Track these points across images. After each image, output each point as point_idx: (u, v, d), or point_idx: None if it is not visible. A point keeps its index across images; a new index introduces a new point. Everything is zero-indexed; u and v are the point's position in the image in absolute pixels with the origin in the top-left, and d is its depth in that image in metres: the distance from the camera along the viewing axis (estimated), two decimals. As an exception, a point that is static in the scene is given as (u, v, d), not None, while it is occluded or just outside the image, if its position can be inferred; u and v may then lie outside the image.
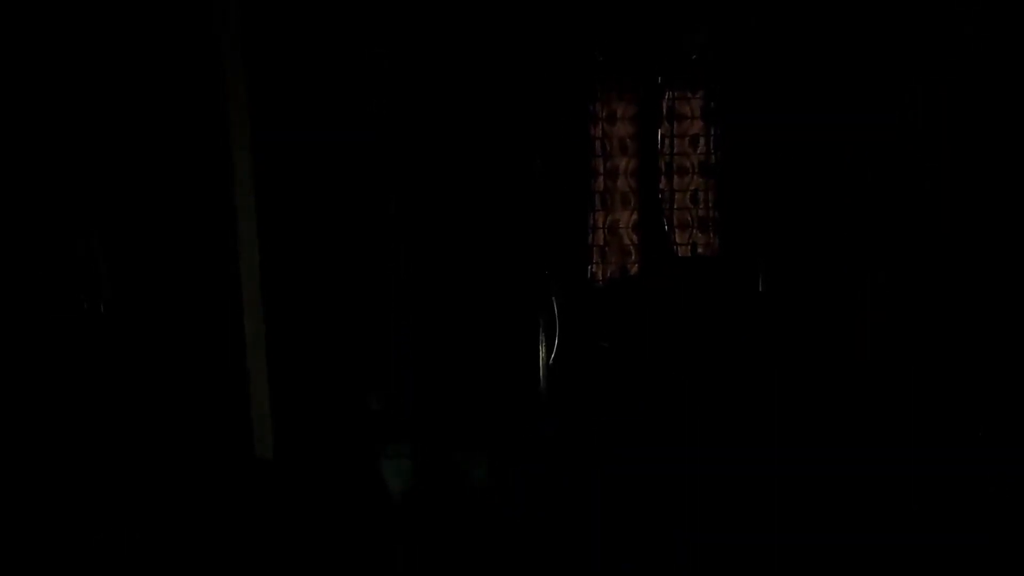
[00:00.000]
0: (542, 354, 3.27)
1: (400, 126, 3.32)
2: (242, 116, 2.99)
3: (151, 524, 2.65)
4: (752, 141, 3.33)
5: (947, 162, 2.77)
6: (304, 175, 3.17)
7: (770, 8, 3.20)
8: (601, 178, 3.69)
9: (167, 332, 3.03)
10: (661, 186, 3.64)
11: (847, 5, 2.99)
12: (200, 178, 3.03)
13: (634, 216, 3.68)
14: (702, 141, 3.58)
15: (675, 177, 3.64)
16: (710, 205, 3.59)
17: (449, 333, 3.36)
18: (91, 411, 2.88)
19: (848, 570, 2.17)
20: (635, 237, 3.69)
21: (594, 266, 3.71)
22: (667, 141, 3.62)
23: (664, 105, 3.60)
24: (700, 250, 3.64)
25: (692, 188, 3.62)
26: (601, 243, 3.71)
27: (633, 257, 3.71)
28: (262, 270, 3.05)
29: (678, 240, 3.67)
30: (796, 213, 3.26)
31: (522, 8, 3.39)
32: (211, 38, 2.93)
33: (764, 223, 3.36)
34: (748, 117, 3.31)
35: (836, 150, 3.08)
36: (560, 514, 2.52)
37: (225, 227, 3.06)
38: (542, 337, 3.28)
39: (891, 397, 2.90)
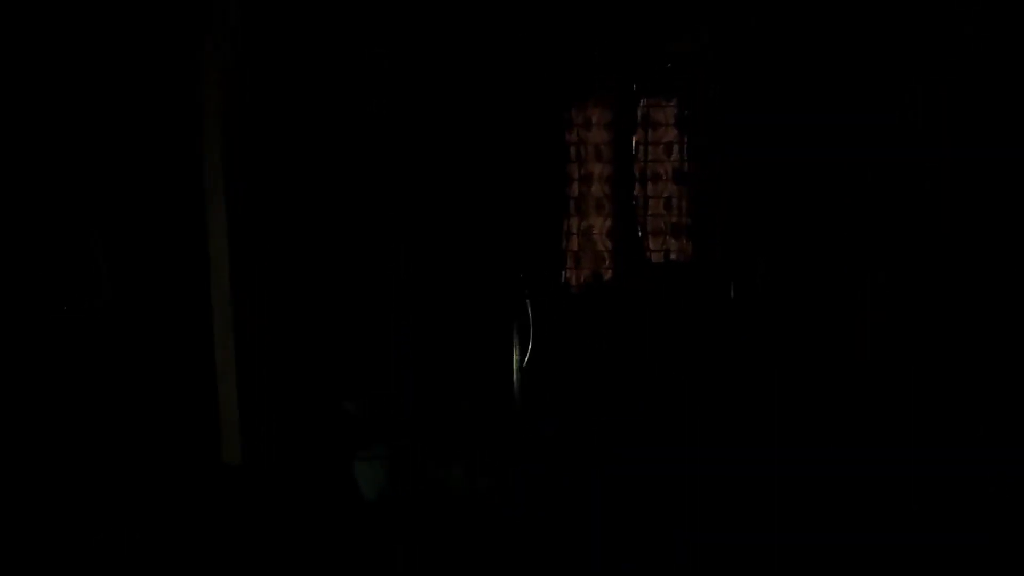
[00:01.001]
0: (515, 357, 3.24)
1: (386, 131, 3.30)
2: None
3: (108, 533, 2.49)
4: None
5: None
6: (278, 175, 3.09)
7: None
8: (576, 184, 3.71)
9: (131, 336, 2.90)
10: (635, 192, 3.68)
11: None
12: (171, 173, 2.92)
13: (608, 222, 3.71)
14: (676, 148, 3.64)
15: (649, 184, 3.68)
16: (683, 211, 3.64)
17: (436, 336, 3.32)
18: (45, 416, 2.72)
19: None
20: (609, 243, 3.71)
21: (568, 271, 3.71)
22: (641, 148, 3.67)
23: (639, 112, 3.65)
24: (673, 256, 3.67)
25: (666, 195, 3.66)
26: (575, 248, 3.71)
27: (607, 262, 3.72)
28: (232, 273, 2.95)
29: (651, 246, 3.70)
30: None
31: (498, 19, 3.41)
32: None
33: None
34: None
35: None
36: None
37: (194, 230, 2.95)
38: (516, 340, 3.25)
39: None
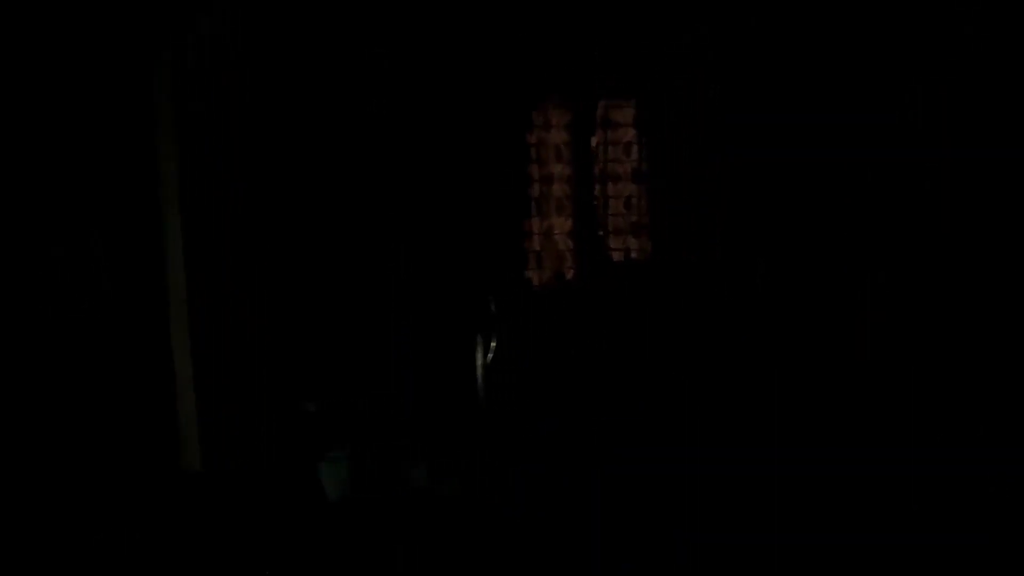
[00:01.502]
0: (479, 358, 3.27)
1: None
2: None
3: (61, 542, 2.48)
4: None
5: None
6: (238, 182, 3.08)
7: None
8: (537, 184, 3.73)
9: (83, 339, 2.87)
10: (596, 192, 3.71)
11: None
12: (124, 173, 2.90)
13: (569, 222, 3.74)
14: (635, 148, 3.67)
15: (609, 184, 3.71)
16: (643, 211, 3.67)
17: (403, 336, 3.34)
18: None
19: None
20: (570, 243, 3.74)
21: (530, 271, 3.74)
22: (601, 148, 3.69)
23: (598, 113, 3.68)
24: (634, 255, 3.71)
25: (626, 194, 3.70)
26: (537, 248, 3.74)
27: (569, 262, 3.75)
28: (188, 273, 2.94)
29: (612, 245, 3.73)
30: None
31: (461, 21, 3.41)
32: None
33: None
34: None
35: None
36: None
37: (149, 226, 2.94)
38: (479, 340, 3.27)
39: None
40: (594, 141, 3.70)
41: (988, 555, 2.16)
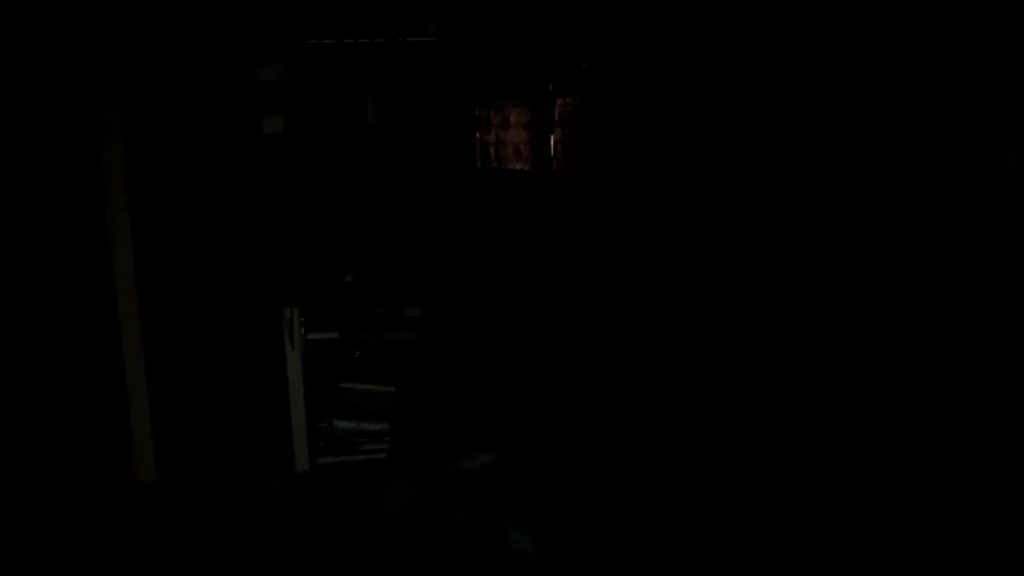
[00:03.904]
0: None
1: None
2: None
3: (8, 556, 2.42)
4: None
5: None
6: (183, 174, 3.02)
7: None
8: (496, 183, 3.72)
9: (29, 344, 2.79)
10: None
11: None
12: (68, 173, 2.82)
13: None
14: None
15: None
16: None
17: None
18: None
19: None
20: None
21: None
22: (559, 147, 3.69)
23: (556, 111, 3.67)
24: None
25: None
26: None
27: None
28: (138, 275, 2.87)
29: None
30: None
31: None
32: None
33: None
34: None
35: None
36: None
37: (95, 226, 2.86)
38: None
39: None
40: (552, 139, 3.69)
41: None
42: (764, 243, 3.14)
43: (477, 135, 3.65)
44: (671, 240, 3.40)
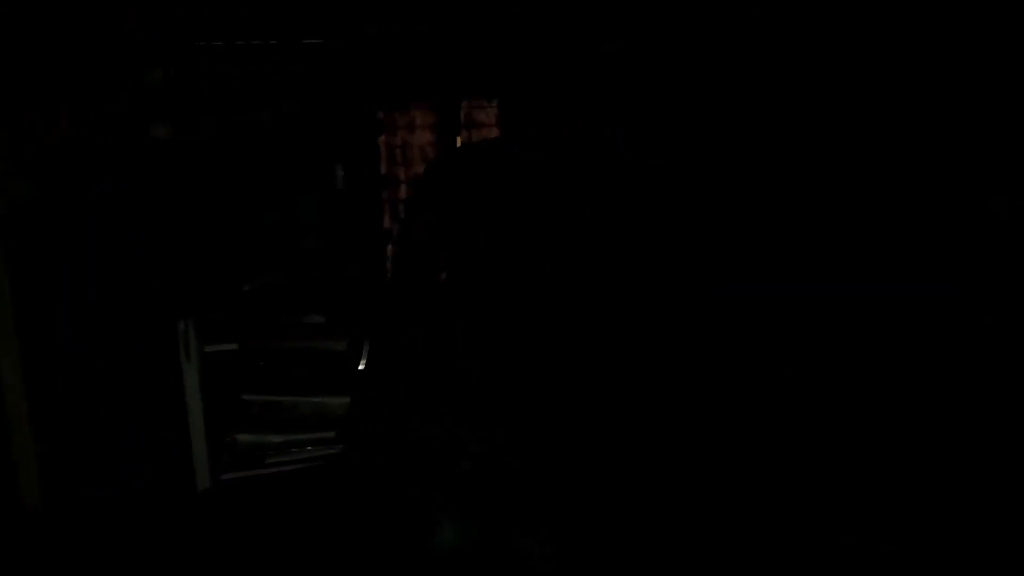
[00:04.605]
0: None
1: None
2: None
3: None
4: None
5: None
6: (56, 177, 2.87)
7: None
8: (404, 186, 3.67)
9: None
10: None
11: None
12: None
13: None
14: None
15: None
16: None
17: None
18: None
19: None
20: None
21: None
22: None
23: (461, 114, 3.65)
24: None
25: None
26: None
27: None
28: (14, 293, 2.73)
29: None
30: None
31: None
32: None
33: None
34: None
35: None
36: None
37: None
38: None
39: None
40: (459, 141, 3.67)
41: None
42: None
43: (382, 138, 3.61)
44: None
